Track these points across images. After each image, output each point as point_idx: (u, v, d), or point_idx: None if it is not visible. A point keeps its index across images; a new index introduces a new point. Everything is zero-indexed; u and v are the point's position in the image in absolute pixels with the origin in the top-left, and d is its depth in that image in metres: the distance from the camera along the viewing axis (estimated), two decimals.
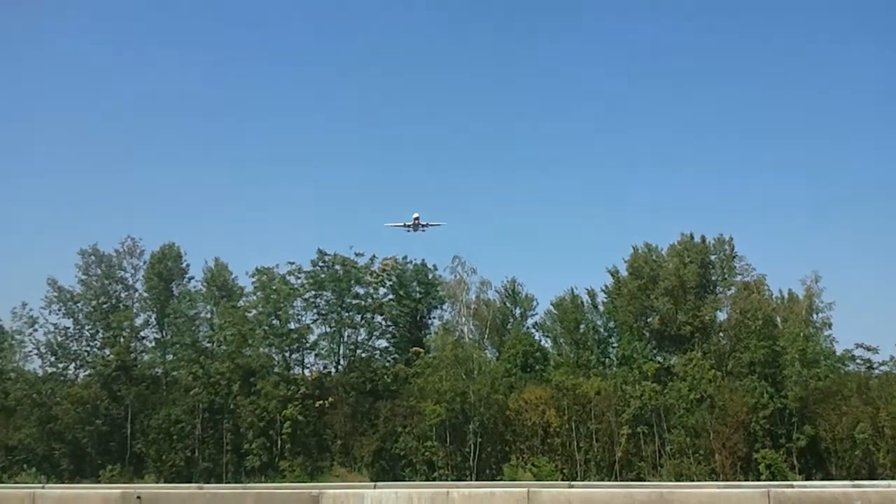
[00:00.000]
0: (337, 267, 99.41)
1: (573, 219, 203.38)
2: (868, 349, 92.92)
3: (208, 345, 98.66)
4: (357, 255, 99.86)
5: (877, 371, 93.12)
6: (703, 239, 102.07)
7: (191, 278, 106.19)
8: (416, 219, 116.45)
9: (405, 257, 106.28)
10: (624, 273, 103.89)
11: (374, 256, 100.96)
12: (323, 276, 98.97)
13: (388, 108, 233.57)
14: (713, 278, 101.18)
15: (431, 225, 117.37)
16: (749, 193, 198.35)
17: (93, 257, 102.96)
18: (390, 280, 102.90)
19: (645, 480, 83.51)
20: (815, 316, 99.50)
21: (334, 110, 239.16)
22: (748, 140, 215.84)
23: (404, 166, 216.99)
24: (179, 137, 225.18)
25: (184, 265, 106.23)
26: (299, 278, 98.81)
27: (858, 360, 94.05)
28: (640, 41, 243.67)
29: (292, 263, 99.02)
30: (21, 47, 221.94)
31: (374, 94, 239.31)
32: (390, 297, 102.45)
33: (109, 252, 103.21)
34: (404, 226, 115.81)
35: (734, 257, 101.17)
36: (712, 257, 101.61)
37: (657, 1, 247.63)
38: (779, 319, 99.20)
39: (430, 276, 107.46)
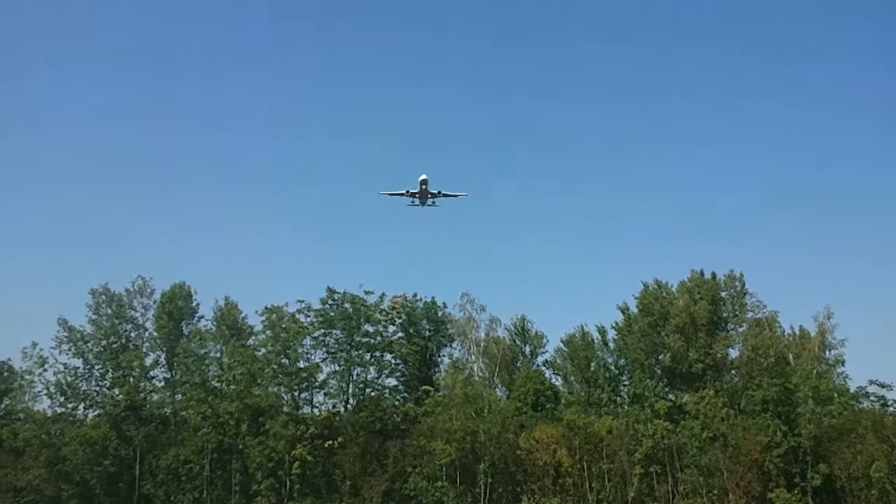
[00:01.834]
0: (346, 305, 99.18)
1: (582, 253, 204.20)
2: (882, 386, 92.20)
3: (217, 384, 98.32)
4: (367, 292, 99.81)
5: (891, 408, 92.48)
6: (714, 275, 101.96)
7: (201, 317, 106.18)
8: (424, 183, 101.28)
9: (415, 294, 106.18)
10: (634, 310, 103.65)
11: (383, 294, 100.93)
12: (332, 314, 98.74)
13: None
14: (724, 315, 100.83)
15: (448, 195, 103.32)
16: (760, 229, 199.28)
17: (103, 297, 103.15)
18: (400, 318, 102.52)
19: None
20: (827, 353, 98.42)
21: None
22: (758, 173, 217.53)
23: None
24: (187, 177, 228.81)
25: (194, 304, 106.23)
26: (308, 316, 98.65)
27: (872, 398, 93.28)
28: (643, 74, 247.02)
29: (301, 301, 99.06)
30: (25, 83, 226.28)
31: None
32: (400, 335, 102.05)
33: (120, 291, 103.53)
34: (407, 195, 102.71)
35: (745, 294, 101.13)
36: (723, 294, 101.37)
37: (662, 28, 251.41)
38: (791, 356, 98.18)
39: (440, 313, 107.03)
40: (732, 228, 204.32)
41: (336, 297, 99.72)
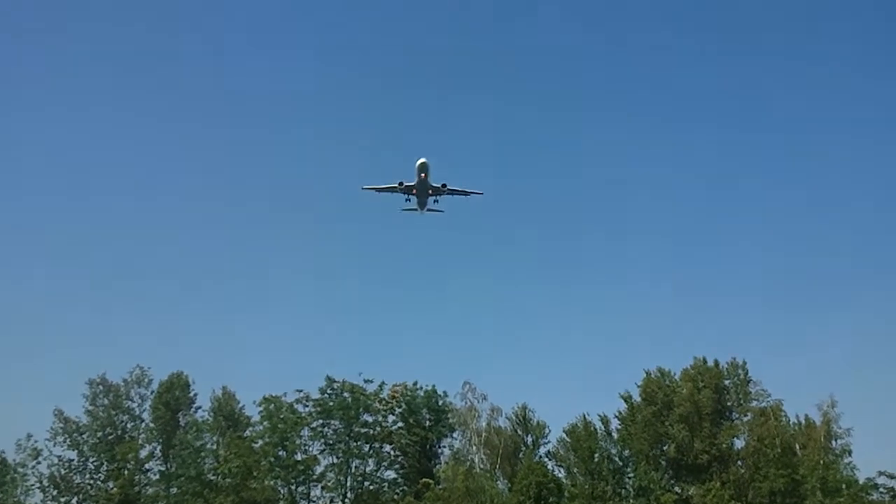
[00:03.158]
0: (345, 394, 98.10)
1: (584, 340, 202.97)
2: (891, 477, 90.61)
3: (213, 477, 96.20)
4: (366, 381, 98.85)
5: None
6: (717, 363, 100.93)
7: (198, 408, 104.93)
8: (423, 170, 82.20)
9: (415, 383, 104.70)
10: (637, 398, 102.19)
11: (382, 383, 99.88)
12: (331, 403, 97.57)
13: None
14: (728, 404, 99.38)
15: (456, 192, 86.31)
16: (761, 314, 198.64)
17: (101, 387, 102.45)
18: (400, 407, 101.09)
19: None
20: (834, 442, 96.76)
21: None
22: (758, 258, 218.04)
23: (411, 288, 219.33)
24: (187, 264, 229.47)
25: (191, 394, 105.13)
26: (307, 406, 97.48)
27: (882, 489, 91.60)
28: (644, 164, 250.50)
29: (300, 391, 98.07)
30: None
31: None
32: (400, 424, 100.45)
33: (117, 381, 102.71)
34: (400, 189, 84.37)
35: (749, 382, 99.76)
36: (726, 382, 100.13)
37: (660, 124, 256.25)
38: (797, 447, 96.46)
39: (441, 402, 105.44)
40: (734, 314, 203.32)
41: (335, 385, 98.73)
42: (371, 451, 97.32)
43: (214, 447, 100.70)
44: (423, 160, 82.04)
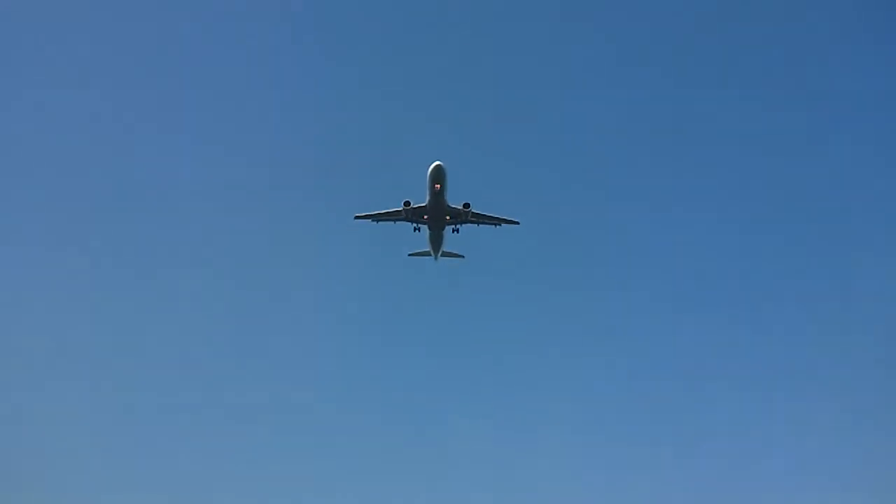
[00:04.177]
0: None
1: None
2: None
3: None
4: None
5: None
6: None
7: None
8: (438, 180, 61.57)
9: None
10: None
11: None
12: None
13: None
14: None
15: (484, 219, 63.88)
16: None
17: None
18: None
19: None
20: None
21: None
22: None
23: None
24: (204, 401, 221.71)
25: None
26: None
27: None
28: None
29: None
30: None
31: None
32: None
33: None
34: (405, 215, 61.57)
35: None
36: None
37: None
38: None
39: None
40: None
41: None
42: None
43: None
44: (438, 163, 62.64)
